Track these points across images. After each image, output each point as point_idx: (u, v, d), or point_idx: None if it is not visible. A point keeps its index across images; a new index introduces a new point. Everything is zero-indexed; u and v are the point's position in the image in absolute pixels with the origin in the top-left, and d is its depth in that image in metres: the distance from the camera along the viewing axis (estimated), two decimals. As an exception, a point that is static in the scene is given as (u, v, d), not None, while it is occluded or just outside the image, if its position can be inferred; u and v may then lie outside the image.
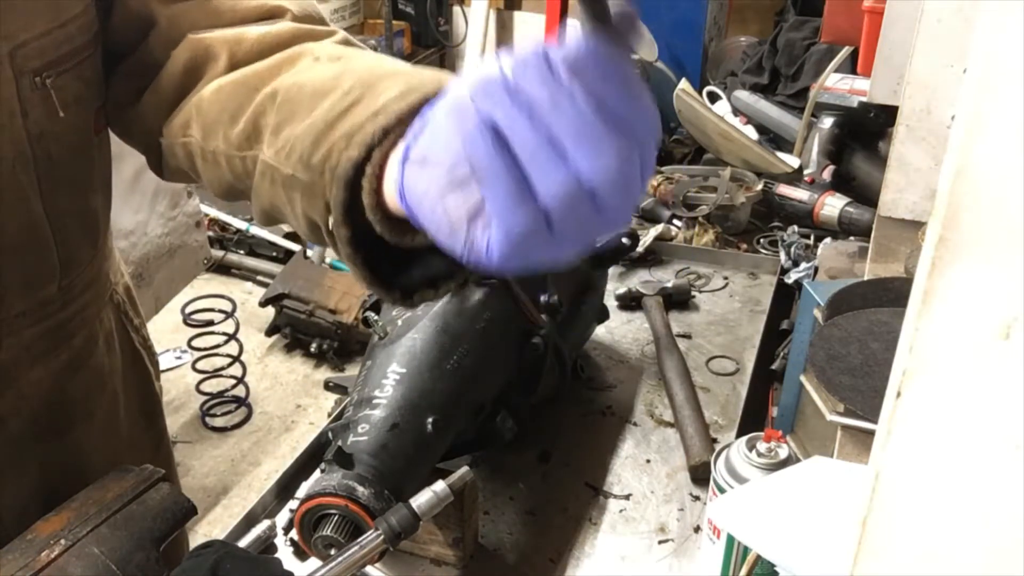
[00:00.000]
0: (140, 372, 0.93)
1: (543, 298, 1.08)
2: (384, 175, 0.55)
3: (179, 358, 3.46)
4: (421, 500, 0.79)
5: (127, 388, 0.90)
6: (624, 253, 1.30)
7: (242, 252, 4.10)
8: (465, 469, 0.83)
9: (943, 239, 0.35)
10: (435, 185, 0.48)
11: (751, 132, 2.04)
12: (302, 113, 0.62)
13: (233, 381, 3.19)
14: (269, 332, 3.59)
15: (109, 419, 0.87)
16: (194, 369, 3.17)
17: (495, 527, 1.04)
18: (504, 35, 4.37)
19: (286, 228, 4.08)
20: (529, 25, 4.23)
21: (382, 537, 0.76)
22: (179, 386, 3.33)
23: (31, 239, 0.73)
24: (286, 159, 0.62)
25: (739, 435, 1.02)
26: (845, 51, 1.95)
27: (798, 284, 1.53)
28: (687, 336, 1.41)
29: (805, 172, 1.85)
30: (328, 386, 1.09)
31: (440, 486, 0.80)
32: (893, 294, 1.10)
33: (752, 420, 1.23)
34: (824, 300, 1.13)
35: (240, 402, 3.21)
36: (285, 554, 0.98)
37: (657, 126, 0.50)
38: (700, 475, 1.09)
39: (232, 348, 3.14)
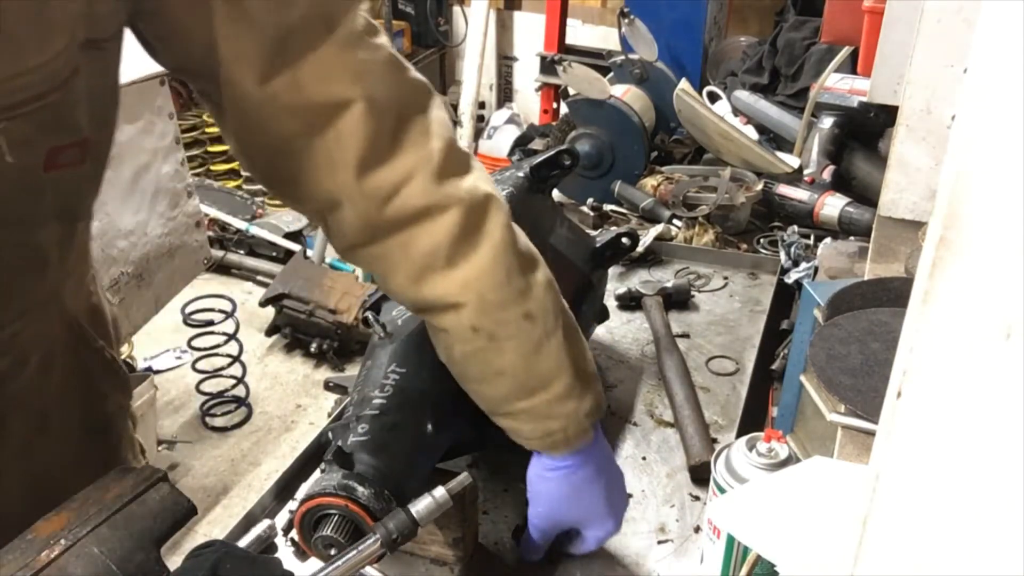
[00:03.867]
0: (88, 390, 0.91)
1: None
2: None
3: (179, 358, 3.46)
4: (420, 506, 0.79)
5: (66, 407, 0.88)
6: (624, 253, 1.29)
7: (242, 252, 4.10)
8: (464, 475, 0.83)
9: (943, 239, 0.35)
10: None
11: (751, 132, 2.04)
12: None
13: (233, 381, 3.19)
14: (269, 332, 3.59)
15: (25, 440, 0.85)
16: (194, 369, 3.17)
17: (495, 527, 1.04)
18: (504, 35, 4.37)
19: (286, 228, 4.08)
20: (529, 25, 4.23)
21: (379, 542, 0.76)
22: (179, 386, 3.33)
23: None
24: None
25: (739, 435, 1.02)
26: (845, 51, 1.95)
27: (798, 284, 1.53)
28: (687, 336, 1.41)
29: (805, 172, 1.85)
30: (328, 386, 1.09)
31: (440, 492, 0.80)
32: (893, 294, 1.10)
33: (752, 420, 1.23)
34: (824, 300, 1.13)
35: (240, 402, 3.21)
36: (285, 554, 0.98)
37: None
38: (700, 475, 1.09)
39: (232, 348, 3.14)
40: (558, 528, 0.95)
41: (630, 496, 1.08)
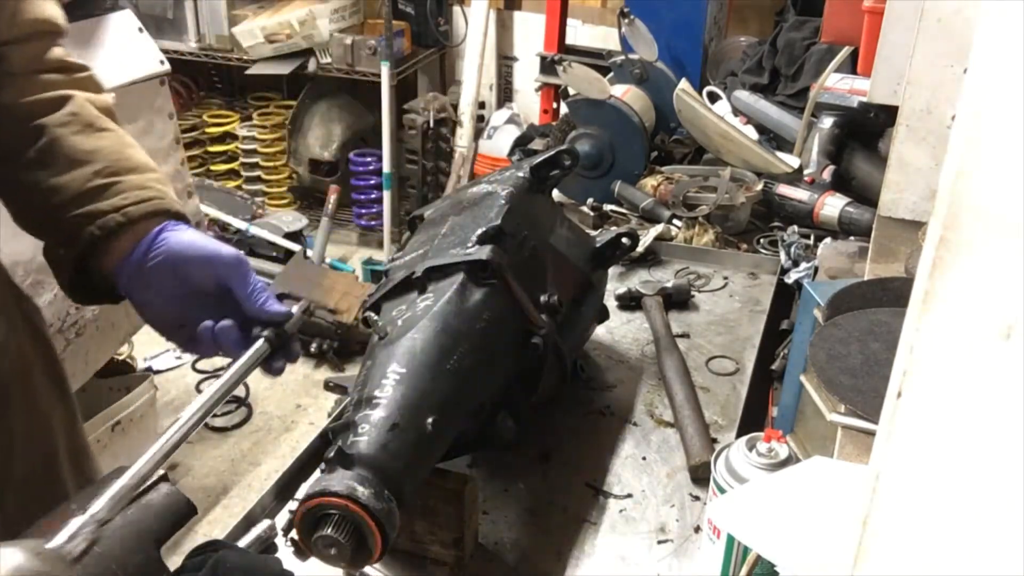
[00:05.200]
0: None
1: (543, 298, 1.08)
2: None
3: (179, 358, 3.46)
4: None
5: None
6: (624, 253, 1.29)
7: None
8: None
9: (944, 239, 0.35)
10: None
11: (751, 132, 2.04)
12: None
13: (233, 381, 3.18)
14: (269, 332, 3.58)
15: None
16: (194, 369, 3.17)
17: (495, 527, 1.04)
18: (504, 35, 4.37)
19: (286, 228, 4.09)
20: (529, 25, 4.23)
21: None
22: (179, 386, 3.33)
23: None
24: None
25: (739, 435, 1.02)
26: (845, 51, 1.95)
27: (798, 284, 1.53)
28: (687, 336, 1.41)
29: (805, 172, 1.85)
30: (328, 386, 1.09)
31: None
32: (893, 294, 1.10)
33: (752, 420, 1.23)
34: (824, 300, 1.13)
35: (240, 402, 3.21)
36: (285, 554, 0.98)
37: None
38: (700, 475, 1.09)
39: (232, 348, 3.14)
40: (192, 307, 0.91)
41: (629, 496, 1.08)
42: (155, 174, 0.92)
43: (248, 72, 4.04)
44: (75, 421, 1.06)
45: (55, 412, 1.01)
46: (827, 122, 1.93)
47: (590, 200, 1.86)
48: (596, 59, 2.48)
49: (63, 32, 0.93)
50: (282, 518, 1.04)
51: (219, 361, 3.16)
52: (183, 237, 0.89)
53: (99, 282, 0.91)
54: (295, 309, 0.93)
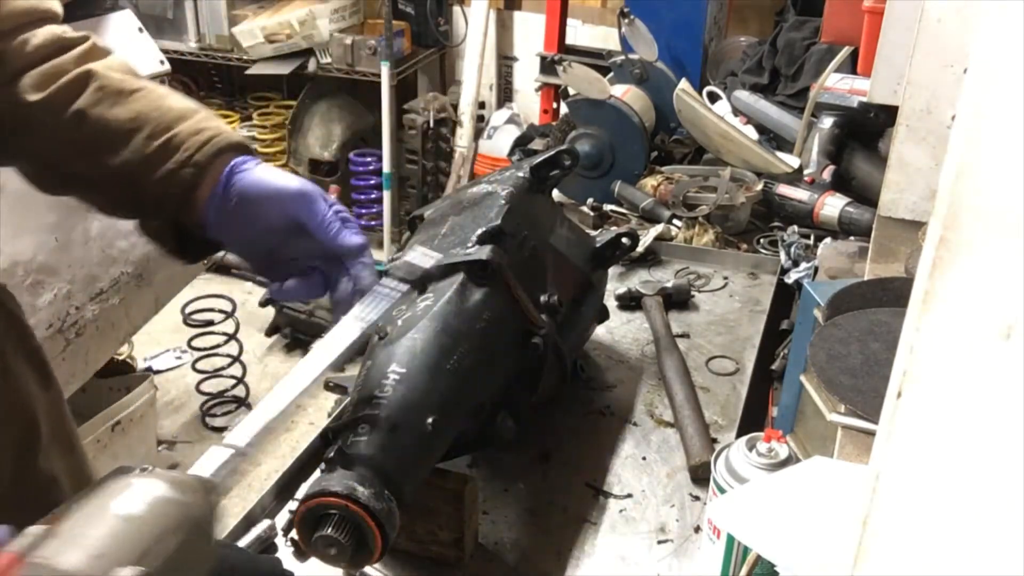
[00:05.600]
0: None
1: (543, 298, 1.08)
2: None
3: (179, 358, 3.46)
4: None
5: None
6: (624, 253, 1.29)
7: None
8: None
9: (943, 239, 0.35)
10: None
11: (751, 132, 2.04)
12: None
13: (233, 381, 3.19)
14: (269, 332, 3.59)
15: None
16: (194, 369, 3.17)
17: (495, 527, 1.04)
18: (504, 35, 4.37)
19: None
20: (529, 25, 4.23)
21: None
22: (179, 386, 3.33)
23: None
24: None
25: (739, 435, 1.02)
26: (845, 51, 1.95)
27: (798, 284, 1.53)
28: (687, 336, 1.41)
29: (805, 172, 1.85)
30: (328, 386, 1.09)
31: None
32: (893, 294, 1.10)
33: (752, 420, 1.23)
34: (824, 300, 1.13)
35: (240, 402, 3.21)
36: (285, 554, 0.98)
37: None
38: (700, 475, 1.09)
39: (232, 348, 3.14)
40: (277, 237, 0.90)
41: (629, 496, 1.08)
42: (201, 112, 0.91)
43: (248, 72, 4.04)
44: (61, 408, 1.06)
45: (38, 398, 1.00)
46: (827, 122, 1.92)
47: (590, 200, 1.86)
48: (596, 59, 2.48)
49: (58, 16, 0.91)
50: (282, 518, 1.04)
51: (219, 361, 3.16)
52: (251, 177, 0.89)
53: (199, 236, 0.92)
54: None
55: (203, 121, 0.89)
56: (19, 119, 0.85)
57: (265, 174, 0.89)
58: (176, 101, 0.90)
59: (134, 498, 0.57)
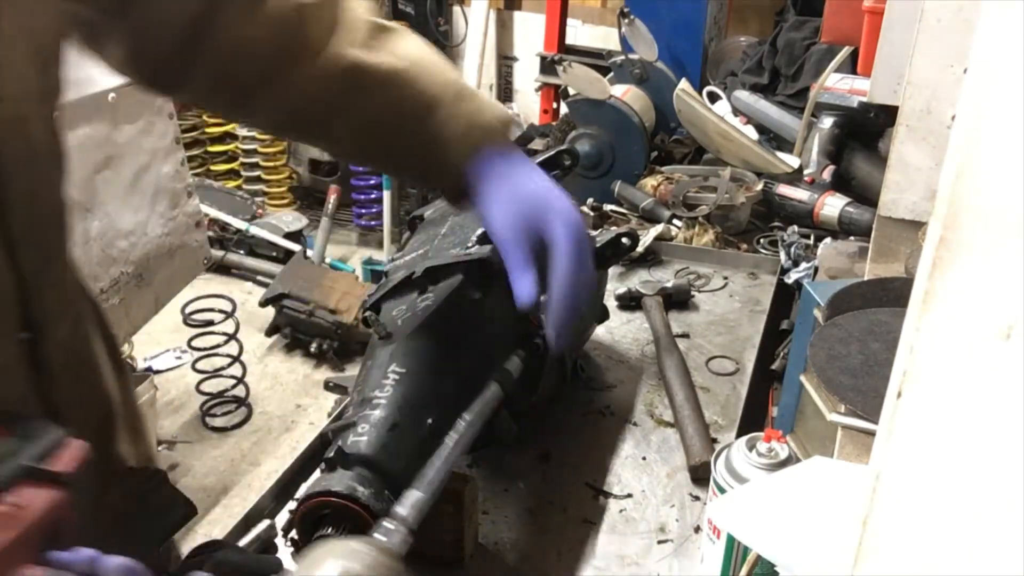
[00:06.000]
0: None
1: (543, 298, 1.08)
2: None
3: (179, 358, 3.46)
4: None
5: None
6: (624, 253, 1.29)
7: (242, 252, 4.10)
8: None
9: (943, 239, 0.35)
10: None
11: (751, 132, 2.04)
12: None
13: (233, 381, 3.19)
14: (269, 332, 3.59)
15: None
16: (194, 369, 3.17)
17: (495, 527, 1.04)
18: (504, 35, 4.37)
19: (286, 228, 4.09)
20: (529, 25, 4.23)
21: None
22: (179, 386, 3.33)
23: None
24: None
25: (739, 435, 1.02)
26: (845, 51, 1.95)
27: (798, 284, 1.53)
28: (687, 336, 1.41)
29: (805, 172, 1.85)
30: (328, 386, 1.09)
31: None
32: (893, 294, 1.10)
33: (752, 420, 1.23)
34: (824, 300, 1.13)
35: (240, 402, 3.21)
36: (285, 554, 0.98)
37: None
38: (700, 475, 1.09)
39: (232, 348, 3.14)
40: (524, 220, 0.90)
41: (629, 496, 1.08)
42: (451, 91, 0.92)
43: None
44: (131, 394, 1.06)
45: (112, 384, 1.00)
46: (827, 122, 1.92)
47: (590, 200, 1.86)
48: (596, 59, 2.48)
49: None
50: (282, 518, 1.04)
51: (219, 361, 3.16)
52: (509, 176, 0.90)
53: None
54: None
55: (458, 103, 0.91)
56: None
57: (523, 178, 0.91)
58: (428, 79, 0.91)
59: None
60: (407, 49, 0.91)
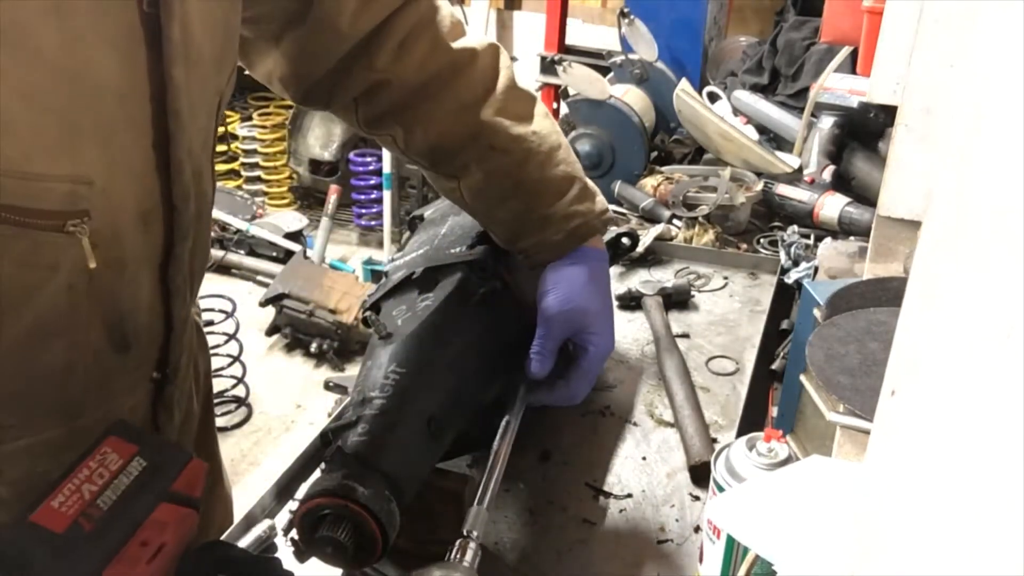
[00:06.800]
0: None
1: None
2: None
3: (179, 358, 3.45)
4: None
5: None
6: (624, 253, 1.29)
7: (242, 252, 4.10)
8: None
9: (942, 239, 0.35)
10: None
11: (751, 132, 2.04)
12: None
13: (233, 381, 3.19)
14: (269, 332, 3.59)
15: None
16: (194, 369, 3.16)
17: (495, 527, 1.04)
18: (504, 35, 4.36)
19: (286, 228, 4.09)
20: (529, 25, 4.23)
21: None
22: (179, 386, 3.33)
23: None
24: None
25: (739, 435, 1.02)
26: (845, 51, 1.95)
27: (798, 284, 1.53)
28: (687, 336, 1.41)
29: (805, 172, 1.85)
30: (328, 386, 1.09)
31: None
32: (892, 294, 1.10)
33: (752, 420, 1.23)
34: (824, 300, 1.13)
35: (240, 402, 3.21)
36: (285, 554, 0.98)
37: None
38: (700, 475, 1.09)
39: (232, 348, 3.14)
40: (568, 323, 0.99)
41: (630, 496, 1.08)
42: (574, 189, 1.02)
43: (248, 72, 4.04)
44: (210, 374, 1.15)
45: (201, 360, 1.08)
46: (827, 122, 1.92)
47: (590, 200, 1.86)
48: (596, 59, 2.48)
49: None
50: (282, 518, 1.04)
51: (219, 361, 3.16)
52: (582, 277, 1.00)
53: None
54: None
55: (575, 203, 1.01)
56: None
57: (576, 286, 1.00)
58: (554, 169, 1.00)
59: None
60: (542, 124, 1.00)
